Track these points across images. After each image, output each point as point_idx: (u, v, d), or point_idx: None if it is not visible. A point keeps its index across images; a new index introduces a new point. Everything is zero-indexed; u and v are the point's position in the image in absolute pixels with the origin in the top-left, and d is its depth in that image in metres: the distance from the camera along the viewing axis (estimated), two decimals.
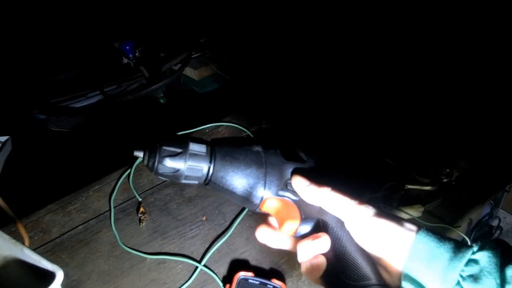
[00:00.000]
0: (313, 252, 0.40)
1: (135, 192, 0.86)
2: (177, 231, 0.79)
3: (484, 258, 0.35)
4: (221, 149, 0.42)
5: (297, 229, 0.41)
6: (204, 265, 0.72)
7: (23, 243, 0.66)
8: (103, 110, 1.38)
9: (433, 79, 1.09)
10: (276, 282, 0.65)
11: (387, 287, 0.39)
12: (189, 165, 0.41)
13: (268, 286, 0.65)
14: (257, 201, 0.42)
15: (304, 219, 0.41)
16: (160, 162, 0.40)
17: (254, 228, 0.77)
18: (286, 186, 0.42)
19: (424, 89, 1.08)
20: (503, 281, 0.34)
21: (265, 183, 0.41)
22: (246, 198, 0.42)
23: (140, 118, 1.36)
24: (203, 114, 1.30)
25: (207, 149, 0.42)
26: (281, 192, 0.42)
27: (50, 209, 0.85)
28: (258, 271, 0.68)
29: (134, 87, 1.49)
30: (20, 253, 0.46)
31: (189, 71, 1.59)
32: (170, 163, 0.40)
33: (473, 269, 0.35)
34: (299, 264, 0.72)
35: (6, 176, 1.08)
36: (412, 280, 0.37)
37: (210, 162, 0.41)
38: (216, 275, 0.70)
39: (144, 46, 1.57)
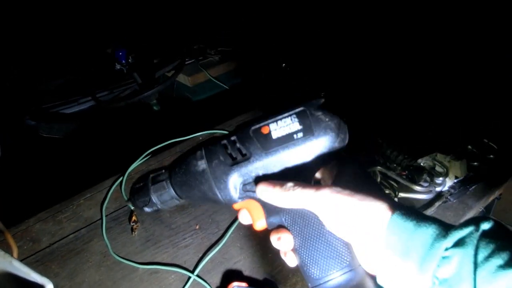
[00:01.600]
0: (282, 250, 0.41)
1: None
2: (170, 240, 0.78)
3: (457, 258, 0.32)
4: (175, 179, 0.47)
5: (265, 226, 0.43)
6: (197, 275, 0.71)
7: (11, 254, 0.65)
8: (95, 117, 1.37)
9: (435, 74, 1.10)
10: None
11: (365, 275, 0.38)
12: (161, 203, 0.48)
13: None
14: (228, 206, 0.45)
15: (269, 214, 0.42)
16: (142, 210, 0.48)
17: (248, 237, 0.76)
18: (242, 189, 0.43)
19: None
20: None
21: (221, 197, 0.44)
22: (219, 205, 0.45)
23: (133, 124, 1.34)
24: (196, 121, 1.29)
25: (166, 183, 0.47)
26: (240, 196, 0.43)
27: (40, 218, 0.83)
28: (252, 282, 0.68)
29: (127, 93, 1.48)
30: (8, 266, 0.45)
31: (182, 78, 1.59)
32: (148, 209, 0.48)
33: (446, 271, 0.32)
34: (292, 274, 0.72)
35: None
36: (387, 273, 0.35)
37: (175, 191, 0.47)
38: (209, 286, 0.69)
39: (137, 52, 1.56)
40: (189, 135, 1.03)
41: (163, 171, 0.48)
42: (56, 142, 1.31)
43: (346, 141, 0.43)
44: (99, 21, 1.65)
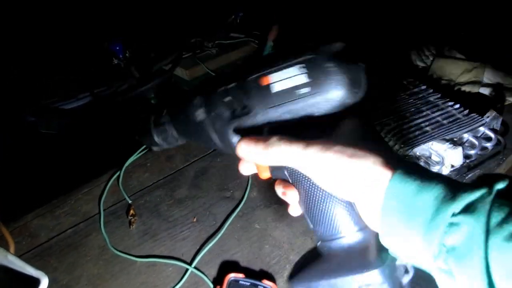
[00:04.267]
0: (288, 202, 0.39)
1: (125, 194, 0.86)
2: (168, 233, 0.79)
3: (468, 227, 0.28)
4: (176, 124, 0.46)
5: (270, 176, 0.41)
6: (195, 267, 0.71)
7: (8, 249, 0.65)
8: (93, 112, 1.37)
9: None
10: (266, 282, 0.65)
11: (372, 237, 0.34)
12: (164, 141, 0.47)
13: (259, 287, 0.65)
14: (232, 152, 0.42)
15: (272, 166, 0.40)
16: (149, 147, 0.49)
17: (245, 229, 0.77)
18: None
19: None
20: (487, 271, 0.27)
21: (221, 147, 0.42)
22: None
23: (130, 119, 1.34)
24: None
25: (168, 127, 0.46)
26: None
27: (38, 213, 0.84)
28: (249, 272, 0.68)
29: (125, 88, 1.47)
30: (4, 260, 0.46)
31: (180, 71, 1.58)
32: (154, 148, 0.49)
33: (455, 238, 0.28)
34: (290, 265, 0.72)
35: None
36: (389, 236, 0.31)
37: (176, 132, 0.46)
38: (207, 277, 0.69)
39: (134, 46, 1.56)
40: None
41: (164, 112, 0.47)
42: (54, 138, 1.31)
43: (362, 95, 0.37)
44: (95, 16, 1.64)
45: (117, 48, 1.52)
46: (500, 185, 0.29)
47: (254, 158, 0.37)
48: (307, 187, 0.37)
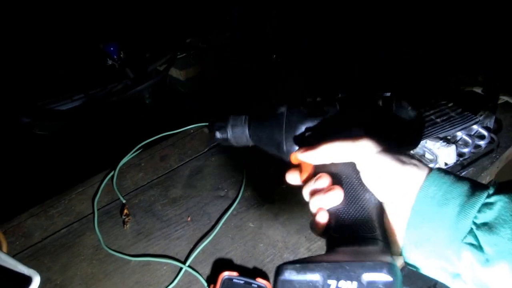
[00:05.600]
0: (325, 205, 0.39)
1: (119, 194, 0.85)
2: (162, 232, 0.78)
3: (500, 203, 0.31)
4: (253, 119, 0.53)
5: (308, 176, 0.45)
6: (189, 266, 0.71)
7: (0, 248, 0.65)
8: (88, 113, 1.37)
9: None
10: (260, 281, 0.65)
11: (388, 246, 0.37)
12: (233, 135, 0.54)
13: (253, 285, 0.65)
14: (286, 158, 0.49)
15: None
16: (214, 134, 0.54)
17: (239, 228, 0.77)
18: (306, 140, 0.47)
19: None
20: None
21: (285, 142, 0.48)
22: (279, 155, 0.50)
23: (124, 119, 1.34)
24: (188, 114, 1.29)
25: (245, 119, 0.53)
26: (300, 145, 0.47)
27: (32, 213, 0.83)
28: (243, 271, 0.68)
29: (119, 88, 1.47)
30: None
31: (175, 72, 1.58)
32: (219, 135, 0.54)
33: (487, 216, 0.31)
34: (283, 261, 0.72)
35: None
36: (418, 228, 0.34)
37: (249, 129, 0.53)
38: (201, 276, 0.69)
39: (129, 47, 1.55)
40: (180, 128, 1.03)
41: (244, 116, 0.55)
42: (48, 138, 1.31)
43: None
44: (90, 17, 1.64)
45: (112, 48, 1.52)
46: None
47: (311, 155, 0.42)
48: (348, 185, 0.40)
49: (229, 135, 0.54)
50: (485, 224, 0.31)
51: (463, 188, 0.33)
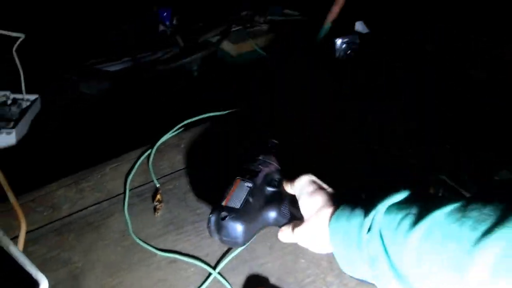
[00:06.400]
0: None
1: (153, 177, 0.79)
2: (194, 226, 0.72)
3: (376, 240, 0.41)
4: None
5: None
6: (219, 273, 0.64)
7: (18, 228, 0.60)
8: (132, 79, 1.31)
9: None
10: None
11: None
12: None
13: None
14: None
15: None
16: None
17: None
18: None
19: None
20: (392, 265, 0.40)
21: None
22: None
23: (168, 92, 1.27)
24: (237, 93, 1.20)
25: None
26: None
27: (63, 184, 0.79)
28: None
29: (167, 57, 1.40)
30: (5, 250, 0.39)
31: (227, 45, 1.49)
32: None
33: (372, 251, 0.42)
34: (326, 287, 0.63)
35: (31, 138, 1.04)
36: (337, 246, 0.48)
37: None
38: (230, 286, 0.62)
39: (182, 14, 1.47)
40: (227, 109, 0.94)
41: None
42: (93, 102, 1.26)
43: None
44: None
45: (165, 14, 1.45)
46: (390, 201, 0.43)
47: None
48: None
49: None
50: (372, 259, 0.42)
51: (354, 231, 0.44)
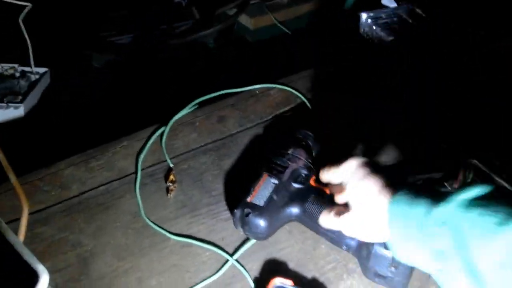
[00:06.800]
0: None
1: (166, 156, 0.75)
2: (209, 209, 0.67)
3: (448, 235, 0.37)
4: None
5: None
6: (236, 260, 0.60)
7: (20, 213, 0.56)
8: (146, 52, 1.26)
9: None
10: None
11: None
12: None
13: None
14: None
15: None
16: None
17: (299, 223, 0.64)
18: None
19: None
20: (468, 264, 0.35)
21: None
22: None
23: (183, 67, 1.22)
24: (255, 70, 1.15)
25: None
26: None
27: (72, 162, 0.75)
28: (298, 280, 0.56)
29: (182, 30, 1.34)
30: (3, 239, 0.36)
31: (244, 19, 1.42)
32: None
33: (440, 244, 0.38)
34: (347, 275, 0.59)
35: (39, 113, 1.01)
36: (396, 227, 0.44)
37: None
38: (248, 273, 0.58)
39: None
40: (244, 86, 0.89)
41: None
42: (104, 77, 1.22)
43: None
44: None
45: None
46: (470, 193, 0.38)
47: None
48: None
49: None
50: (441, 253, 0.39)
51: (417, 217, 0.41)
